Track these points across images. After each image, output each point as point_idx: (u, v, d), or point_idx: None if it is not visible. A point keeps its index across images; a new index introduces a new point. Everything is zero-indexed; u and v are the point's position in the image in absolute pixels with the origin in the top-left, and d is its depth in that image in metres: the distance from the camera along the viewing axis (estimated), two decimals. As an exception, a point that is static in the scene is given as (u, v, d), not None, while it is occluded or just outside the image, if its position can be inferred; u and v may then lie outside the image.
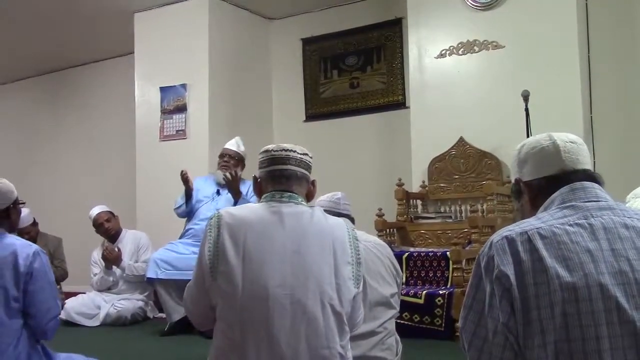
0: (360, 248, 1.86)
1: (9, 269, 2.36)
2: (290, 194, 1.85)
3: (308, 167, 1.93)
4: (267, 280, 1.69)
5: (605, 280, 1.20)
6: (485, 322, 1.27)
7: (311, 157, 1.95)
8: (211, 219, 1.80)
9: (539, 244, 1.25)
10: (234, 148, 4.83)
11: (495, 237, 1.32)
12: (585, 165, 1.40)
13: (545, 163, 1.40)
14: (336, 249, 1.79)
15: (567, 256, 1.23)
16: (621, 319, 1.18)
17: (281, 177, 1.87)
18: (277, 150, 1.90)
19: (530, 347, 1.21)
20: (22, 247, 2.43)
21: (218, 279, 1.71)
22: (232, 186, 4.59)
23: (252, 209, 1.84)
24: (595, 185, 1.37)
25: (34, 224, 5.66)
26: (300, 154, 1.91)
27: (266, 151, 1.92)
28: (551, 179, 1.39)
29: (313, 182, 1.96)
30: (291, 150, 1.90)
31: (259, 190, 1.93)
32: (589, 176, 1.39)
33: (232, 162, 4.75)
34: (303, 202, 1.87)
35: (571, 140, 1.41)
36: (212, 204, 4.73)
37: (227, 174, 4.59)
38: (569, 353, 1.18)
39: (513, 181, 1.51)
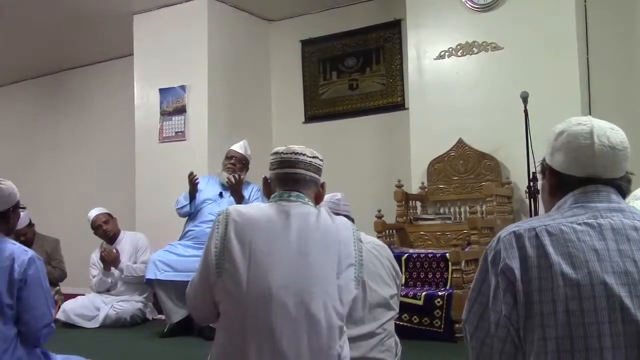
0: (363, 249, 1.87)
1: (5, 275, 2.34)
2: (298, 193, 1.86)
3: (317, 170, 1.93)
4: (271, 281, 1.70)
5: (609, 279, 1.21)
6: (488, 315, 1.29)
7: (321, 160, 1.95)
8: (219, 215, 1.81)
9: (546, 241, 1.26)
10: (241, 151, 4.79)
11: (503, 232, 1.33)
12: (615, 174, 1.35)
13: (577, 163, 1.35)
14: (341, 250, 1.80)
15: (573, 254, 1.24)
16: (624, 318, 1.18)
17: (288, 180, 1.88)
18: (286, 153, 1.90)
19: (530, 341, 1.22)
20: (19, 253, 2.40)
21: (223, 276, 1.72)
22: (235, 190, 4.55)
23: (261, 208, 1.86)
24: (610, 189, 1.34)
25: (30, 225, 5.65)
26: (310, 157, 1.91)
27: (276, 153, 1.92)
28: (576, 179, 1.35)
29: (322, 185, 1.96)
30: (301, 154, 1.90)
31: (268, 191, 1.95)
32: (615, 186, 1.35)
33: (238, 165, 4.71)
34: (310, 203, 1.88)
35: (611, 145, 1.33)
36: (215, 205, 4.69)
37: (232, 178, 4.54)
38: (571, 350, 1.19)
39: (542, 159, 1.45)
